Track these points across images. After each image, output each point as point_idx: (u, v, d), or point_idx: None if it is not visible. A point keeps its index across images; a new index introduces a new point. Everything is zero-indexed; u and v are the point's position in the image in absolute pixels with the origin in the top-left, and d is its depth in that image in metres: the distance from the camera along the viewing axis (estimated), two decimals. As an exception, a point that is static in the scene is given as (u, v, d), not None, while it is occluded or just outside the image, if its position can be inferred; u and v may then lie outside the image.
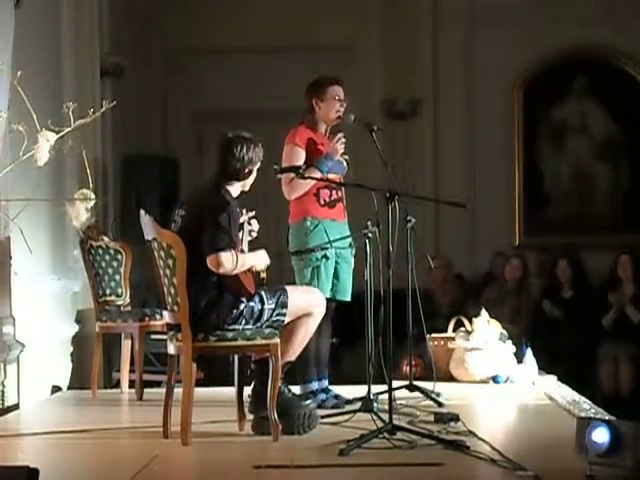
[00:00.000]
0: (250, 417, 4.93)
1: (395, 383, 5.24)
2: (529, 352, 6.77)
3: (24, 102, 4.95)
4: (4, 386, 5.93)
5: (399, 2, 9.99)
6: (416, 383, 6.09)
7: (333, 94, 5.75)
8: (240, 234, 4.88)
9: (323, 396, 5.70)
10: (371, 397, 5.27)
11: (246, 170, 4.87)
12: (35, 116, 4.92)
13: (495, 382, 6.73)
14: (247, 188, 4.97)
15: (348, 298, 5.81)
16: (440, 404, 5.72)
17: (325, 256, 5.64)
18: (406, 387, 6.03)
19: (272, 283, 5.14)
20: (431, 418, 5.16)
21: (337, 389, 5.84)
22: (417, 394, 5.94)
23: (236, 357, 5.08)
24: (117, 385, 7.02)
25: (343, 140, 5.68)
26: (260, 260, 4.88)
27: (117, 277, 6.80)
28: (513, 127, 10.09)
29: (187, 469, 4.48)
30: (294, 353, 4.96)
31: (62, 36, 7.54)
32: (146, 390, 6.39)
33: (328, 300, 5.43)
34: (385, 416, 4.70)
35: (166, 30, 9.94)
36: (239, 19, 9.82)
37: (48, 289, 6.91)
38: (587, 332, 8.35)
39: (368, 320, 5.42)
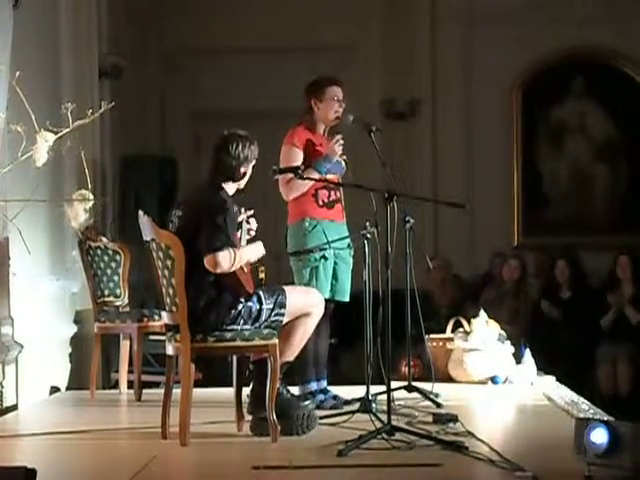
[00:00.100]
0: (249, 418, 4.93)
1: (394, 384, 5.23)
2: (528, 353, 6.77)
3: (22, 103, 4.95)
4: (3, 387, 5.93)
5: (398, 3, 9.98)
6: (415, 384, 6.08)
7: (332, 94, 5.75)
8: (238, 233, 4.88)
9: (322, 397, 5.70)
10: (370, 398, 5.27)
11: (242, 168, 4.87)
12: (33, 117, 4.91)
13: (494, 383, 6.73)
14: (242, 186, 4.96)
15: (347, 299, 5.81)
16: (439, 405, 5.72)
17: (324, 257, 5.64)
18: (405, 388, 6.03)
19: (271, 283, 5.14)
20: (430, 419, 5.17)
21: (336, 390, 5.84)
22: (416, 395, 5.94)
23: (235, 358, 5.09)
24: (116, 386, 7.01)
25: (341, 142, 5.68)
26: (256, 252, 4.87)
27: (116, 278, 6.80)
28: (512, 128, 10.09)
29: (186, 470, 4.48)
30: (292, 353, 4.96)
31: (60, 36, 7.54)
32: (145, 391, 6.38)
33: (327, 301, 5.43)
34: (384, 417, 4.70)
35: (164, 30, 9.94)
36: (238, 19, 9.82)
37: (47, 290, 6.91)
38: (586, 333, 8.35)
39: (367, 321, 5.42)
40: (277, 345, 4.76)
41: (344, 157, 5.77)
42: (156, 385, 6.92)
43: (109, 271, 6.78)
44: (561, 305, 8.60)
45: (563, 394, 6.22)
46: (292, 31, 9.70)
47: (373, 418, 4.76)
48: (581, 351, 8.27)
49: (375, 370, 5.30)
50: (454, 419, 5.02)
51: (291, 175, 5.50)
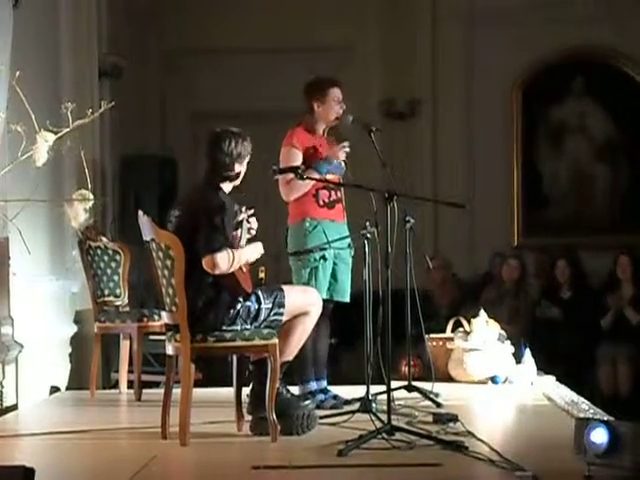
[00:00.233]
0: (248, 418, 4.93)
1: (394, 383, 5.23)
2: (528, 353, 6.77)
3: (22, 102, 4.95)
4: (3, 386, 5.93)
5: (398, 2, 9.98)
6: (415, 383, 6.09)
7: (333, 96, 5.76)
8: (239, 232, 4.88)
9: (322, 396, 5.70)
10: (370, 397, 5.27)
11: (236, 164, 4.85)
12: (33, 116, 4.91)
13: (494, 382, 6.73)
14: (238, 182, 4.95)
15: (347, 299, 5.81)
16: (439, 404, 5.72)
17: (323, 257, 5.64)
18: (405, 387, 6.03)
19: (270, 283, 5.14)
20: (430, 419, 5.17)
21: (336, 389, 5.84)
22: (416, 394, 5.94)
23: (234, 357, 5.09)
24: (115, 386, 7.01)
25: (347, 150, 5.68)
26: (255, 252, 4.86)
27: (115, 278, 6.80)
28: (512, 128, 10.09)
29: (186, 470, 4.48)
30: (291, 353, 4.96)
31: (60, 36, 7.54)
32: (144, 391, 6.38)
33: (326, 301, 5.44)
34: (384, 416, 4.70)
35: (164, 30, 9.94)
36: (237, 20, 9.82)
37: (47, 290, 6.91)
38: (586, 333, 8.35)
39: (367, 320, 5.42)
40: (277, 345, 4.76)
41: (344, 159, 5.77)
42: (156, 385, 6.92)
43: (109, 271, 6.78)
44: (561, 305, 8.60)
45: (563, 394, 6.22)
46: (291, 31, 9.70)
47: (373, 418, 4.76)
48: (581, 351, 8.27)
49: (375, 370, 5.30)
50: (454, 419, 5.02)
51: (291, 176, 5.50)
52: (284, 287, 4.92)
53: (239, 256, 4.72)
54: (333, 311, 5.79)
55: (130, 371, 6.64)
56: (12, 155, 5.16)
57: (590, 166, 10.12)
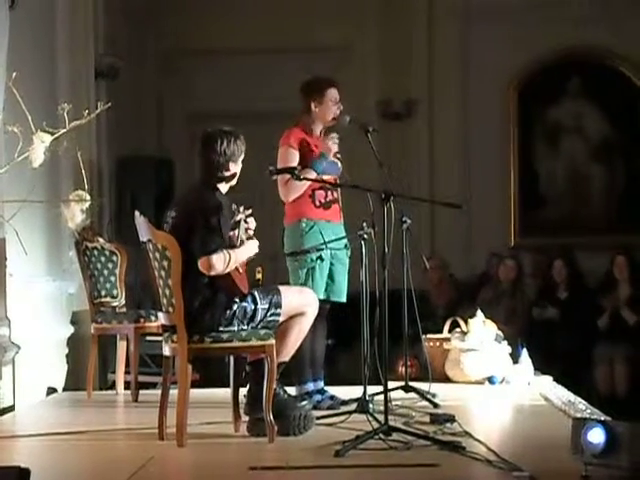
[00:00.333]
0: (246, 418, 4.93)
1: (391, 384, 5.24)
2: (525, 353, 6.77)
3: (19, 103, 4.94)
4: (-1, 388, 5.93)
5: (394, 3, 9.99)
6: (412, 384, 6.08)
7: (331, 97, 5.76)
8: (236, 232, 4.87)
9: (319, 397, 5.70)
10: (367, 398, 5.27)
11: (230, 164, 4.84)
12: (30, 117, 4.90)
13: (491, 383, 6.73)
14: (235, 182, 4.94)
15: (343, 299, 5.81)
16: (436, 405, 5.72)
17: (320, 257, 5.64)
18: (402, 388, 6.03)
19: (267, 284, 5.13)
20: (427, 419, 5.16)
21: (333, 390, 5.84)
22: (413, 395, 5.94)
23: (232, 358, 5.08)
24: (112, 386, 7.01)
25: (336, 140, 5.68)
26: (250, 250, 4.85)
27: (112, 278, 6.79)
28: (508, 128, 10.10)
29: (183, 470, 4.47)
30: (288, 353, 4.95)
31: (57, 37, 7.53)
32: (141, 391, 6.38)
33: (323, 301, 5.44)
34: (381, 417, 4.70)
35: (161, 31, 9.94)
36: (234, 20, 9.82)
37: (43, 290, 6.90)
38: (583, 333, 8.36)
39: (363, 321, 5.43)
40: (274, 346, 4.76)
41: (339, 156, 5.77)
42: (153, 386, 6.91)
43: (106, 272, 6.78)
44: (558, 305, 8.61)
45: (560, 394, 6.22)
46: (288, 32, 9.71)
47: (370, 418, 4.76)
48: (578, 351, 8.27)
49: (372, 370, 5.31)
50: (451, 419, 5.02)
51: (289, 176, 5.50)
52: (280, 288, 4.92)
53: (235, 256, 4.71)
54: (330, 312, 5.78)
55: (127, 372, 6.63)
56: (9, 156, 5.16)
57: (586, 166, 10.14)
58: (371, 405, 5.17)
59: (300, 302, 4.93)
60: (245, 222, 4.93)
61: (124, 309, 6.81)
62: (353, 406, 5.36)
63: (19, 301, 6.21)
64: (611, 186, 10.12)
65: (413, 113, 10.08)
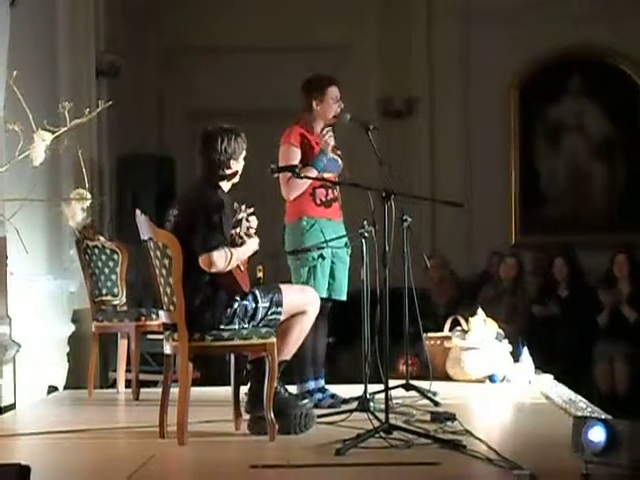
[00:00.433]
0: (246, 417, 4.93)
1: (391, 382, 5.24)
2: (525, 351, 6.77)
3: (20, 102, 4.94)
4: (0, 386, 5.93)
5: (395, 1, 9.99)
6: (412, 382, 6.08)
7: (332, 95, 5.76)
8: (238, 230, 4.87)
9: (319, 395, 5.70)
10: (367, 396, 5.27)
11: (231, 162, 4.83)
12: (31, 116, 4.90)
13: (491, 381, 6.73)
14: (237, 180, 4.94)
15: (344, 297, 5.81)
16: (436, 403, 5.72)
17: (321, 255, 5.64)
18: (402, 386, 6.03)
19: (268, 282, 5.13)
20: (427, 417, 5.16)
21: (334, 388, 5.84)
22: (413, 393, 5.94)
23: (232, 356, 5.08)
24: (113, 385, 7.01)
25: (331, 133, 5.68)
26: (250, 248, 4.85)
27: (113, 277, 6.79)
28: (509, 126, 10.10)
29: (184, 469, 4.48)
30: (289, 352, 4.95)
31: (58, 35, 7.53)
32: (142, 390, 6.38)
33: (324, 300, 5.43)
34: (381, 415, 4.70)
35: (162, 29, 9.94)
36: (235, 18, 9.82)
37: (44, 289, 6.90)
38: (583, 331, 8.36)
39: (364, 319, 5.42)
40: (275, 344, 4.76)
41: (339, 152, 5.77)
42: (154, 384, 6.91)
43: (107, 270, 6.78)
44: (559, 303, 8.61)
45: (561, 392, 6.22)
46: (289, 30, 9.71)
47: (371, 417, 4.76)
48: (579, 349, 8.27)
49: (373, 369, 5.30)
50: (452, 417, 5.02)
51: (290, 174, 5.50)
52: (282, 286, 4.92)
53: (236, 254, 4.71)
54: (331, 310, 5.78)
55: (128, 370, 6.63)
56: (9, 154, 5.16)
57: (587, 164, 10.13)
58: (372, 403, 5.17)
59: (302, 301, 4.93)
60: (247, 220, 4.93)
61: (125, 307, 6.81)
62: (354, 404, 5.36)
63: (20, 300, 6.21)
64: (612, 184, 10.11)
65: (414, 111, 10.08)
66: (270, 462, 4.25)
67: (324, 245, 5.61)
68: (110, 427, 5.29)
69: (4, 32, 5.89)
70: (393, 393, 5.43)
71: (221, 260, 4.63)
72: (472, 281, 9.35)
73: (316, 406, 5.52)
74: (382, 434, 4.52)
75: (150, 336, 6.88)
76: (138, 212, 4.86)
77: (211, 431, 4.97)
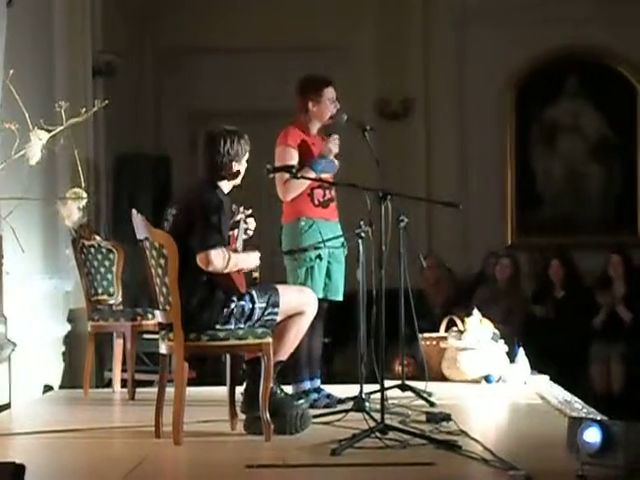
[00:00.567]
0: (242, 417, 4.93)
1: (387, 383, 5.24)
2: (521, 352, 6.78)
3: (16, 101, 4.93)
4: (-4, 385, 5.93)
5: (392, 2, 9.99)
6: (408, 383, 6.09)
7: (328, 96, 5.76)
8: (236, 232, 4.87)
9: (315, 396, 5.70)
10: (363, 397, 5.27)
11: (234, 163, 4.84)
12: (27, 115, 4.89)
13: (487, 382, 6.74)
14: (239, 182, 4.94)
15: (340, 298, 5.81)
16: (432, 404, 5.72)
17: (319, 256, 5.64)
18: (398, 387, 6.04)
19: (264, 281, 5.13)
20: (423, 418, 5.16)
21: (329, 388, 5.84)
22: (409, 394, 5.95)
23: (228, 357, 5.08)
24: (109, 384, 7.01)
25: (337, 142, 5.68)
26: (251, 262, 4.86)
27: (109, 276, 6.79)
28: (505, 127, 10.10)
29: (179, 469, 4.48)
30: (286, 352, 4.95)
31: (54, 34, 7.52)
32: (138, 389, 6.38)
33: (320, 300, 5.43)
34: (377, 416, 4.70)
35: (159, 29, 9.93)
36: (233, 19, 9.81)
37: (40, 288, 6.89)
38: (579, 332, 8.36)
39: (360, 320, 5.42)
40: (271, 344, 4.76)
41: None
42: (149, 384, 6.91)
43: (103, 269, 6.78)
44: (554, 304, 8.61)
45: (556, 393, 6.23)
46: (287, 31, 9.70)
47: (366, 417, 4.77)
48: (574, 350, 8.28)
49: (368, 369, 5.31)
50: (447, 418, 5.03)
51: (287, 176, 5.50)
52: (279, 287, 4.92)
53: (235, 260, 4.71)
54: (327, 310, 5.78)
55: (124, 370, 6.63)
56: (5, 153, 5.14)
57: (584, 166, 10.14)
58: (367, 404, 5.17)
59: (299, 301, 4.93)
60: (245, 222, 4.94)
61: (121, 307, 6.81)
62: (349, 405, 5.37)
63: (16, 299, 6.20)
64: (608, 186, 10.12)
65: (410, 112, 10.07)
66: (266, 462, 4.25)
67: (321, 245, 5.61)
68: (106, 427, 5.29)
69: (1, 31, 5.89)
70: (389, 393, 5.44)
71: (219, 259, 4.63)
72: (468, 282, 9.35)
73: (312, 406, 5.52)
74: (378, 434, 4.52)
75: (146, 336, 6.88)
76: (134, 212, 4.86)
77: (207, 431, 4.97)
